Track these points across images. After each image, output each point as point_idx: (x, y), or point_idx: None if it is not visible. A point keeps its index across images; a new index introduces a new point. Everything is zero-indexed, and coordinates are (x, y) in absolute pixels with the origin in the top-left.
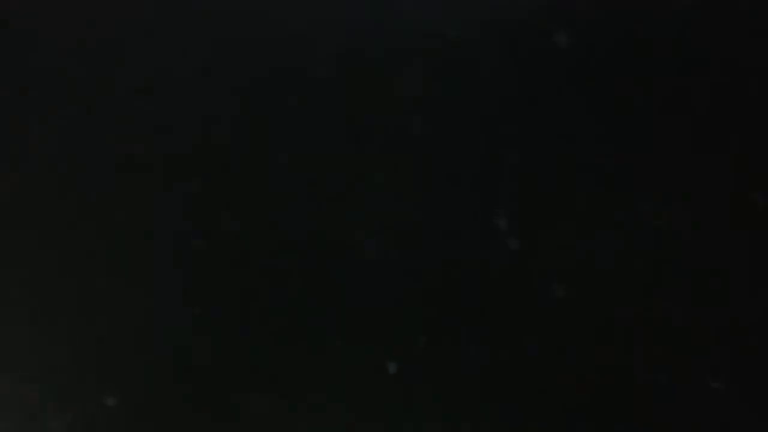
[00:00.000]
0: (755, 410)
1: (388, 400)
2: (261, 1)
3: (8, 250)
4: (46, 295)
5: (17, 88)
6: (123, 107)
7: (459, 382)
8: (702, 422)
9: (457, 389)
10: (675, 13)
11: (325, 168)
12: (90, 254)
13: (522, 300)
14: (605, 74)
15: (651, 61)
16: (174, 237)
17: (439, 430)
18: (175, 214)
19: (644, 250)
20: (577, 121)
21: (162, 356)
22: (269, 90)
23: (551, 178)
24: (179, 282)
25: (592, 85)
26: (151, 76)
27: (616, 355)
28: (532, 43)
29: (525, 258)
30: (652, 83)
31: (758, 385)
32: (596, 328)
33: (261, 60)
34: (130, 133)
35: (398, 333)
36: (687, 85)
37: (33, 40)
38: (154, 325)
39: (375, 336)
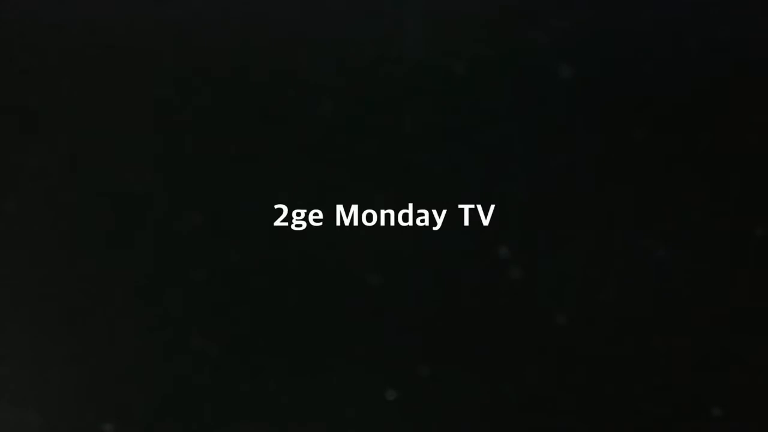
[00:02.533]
0: None
1: (387, 428)
2: (261, 36)
3: (5, 274)
4: (44, 322)
5: (13, 114)
6: (123, 135)
7: (459, 410)
8: None
9: (457, 418)
10: (678, 43)
11: (326, 199)
12: (88, 281)
13: (524, 329)
14: (608, 107)
15: (654, 95)
16: (174, 267)
17: None
18: (175, 244)
19: (645, 279)
20: (579, 153)
21: (160, 383)
22: (271, 125)
23: (554, 208)
24: (179, 310)
25: (595, 118)
26: (151, 114)
27: (617, 383)
28: (537, 76)
29: (527, 287)
30: (655, 117)
31: (758, 412)
32: (598, 357)
33: (260, 96)
34: (131, 162)
35: (398, 361)
36: (689, 118)
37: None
38: (152, 352)
39: (375, 364)
